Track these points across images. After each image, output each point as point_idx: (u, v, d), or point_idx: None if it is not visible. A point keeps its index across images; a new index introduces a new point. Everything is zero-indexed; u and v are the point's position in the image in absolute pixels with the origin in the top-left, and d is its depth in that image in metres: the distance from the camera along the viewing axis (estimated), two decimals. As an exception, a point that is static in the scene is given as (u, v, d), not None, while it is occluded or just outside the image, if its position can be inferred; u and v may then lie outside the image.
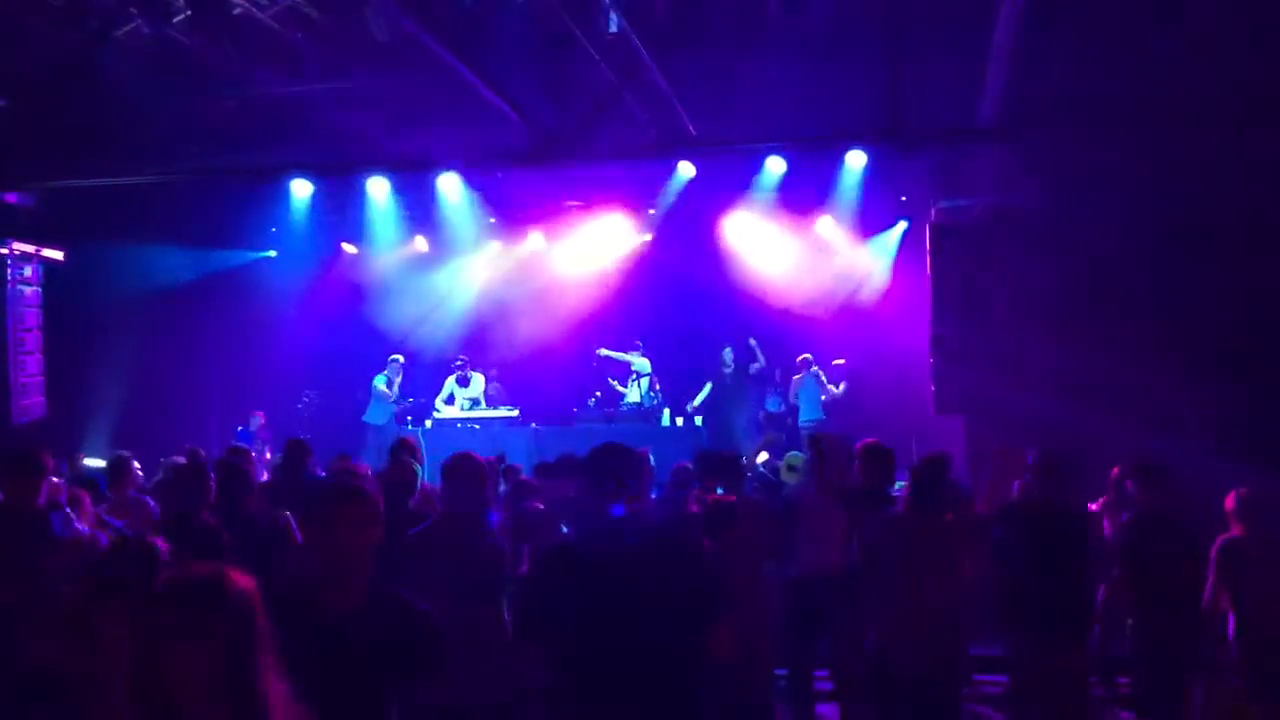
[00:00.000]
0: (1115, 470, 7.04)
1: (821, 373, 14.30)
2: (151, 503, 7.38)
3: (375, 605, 3.33)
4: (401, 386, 15.02)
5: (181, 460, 8.91)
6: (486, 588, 4.78)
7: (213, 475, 6.30)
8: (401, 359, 14.96)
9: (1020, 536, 5.82)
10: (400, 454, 6.97)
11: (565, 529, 6.19)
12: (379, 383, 14.71)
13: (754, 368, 14.80)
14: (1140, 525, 6.01)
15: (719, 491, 6.55)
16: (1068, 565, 5.72)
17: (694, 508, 6.17)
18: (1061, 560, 5.71)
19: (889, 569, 5.62)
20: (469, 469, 4.97)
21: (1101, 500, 7.21)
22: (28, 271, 13.22)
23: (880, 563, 5.69)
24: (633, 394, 14.68)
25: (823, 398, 14.20)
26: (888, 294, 14.88)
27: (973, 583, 5.76)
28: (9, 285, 12.92)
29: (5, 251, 12.80)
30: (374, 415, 14.68)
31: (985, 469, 7.63)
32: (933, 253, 12.92)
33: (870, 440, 6.63)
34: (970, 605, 5.90)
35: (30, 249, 13.07)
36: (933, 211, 12.78)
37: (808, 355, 14.42)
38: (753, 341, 14.82)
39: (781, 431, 14.19)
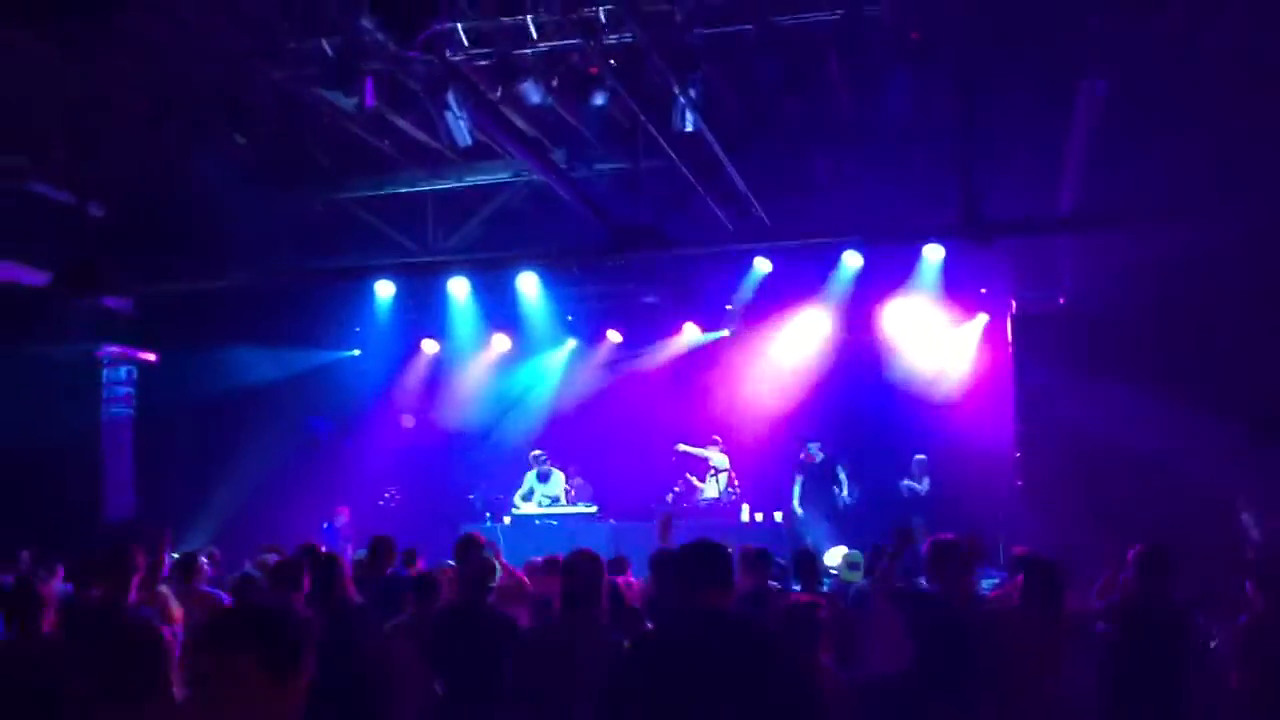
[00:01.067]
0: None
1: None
2: (224, 595, 7.47)
3: None
4: (483, 483, 15.17)
5: (272, 557, 9.04)
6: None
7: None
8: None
9: (1122, 634, 5.65)
10: (471, 550, 7.01)
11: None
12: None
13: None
14: (1258, 630, 5.75)
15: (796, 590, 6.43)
16: (1168, 664, 5.53)
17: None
18: (1161, 659, 5.52)
19: (998, 665, 5.48)
20: (585, 567, 4.95)
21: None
22: (122, 373, 13.64)
23: (987, 658, 5.54)
24: (710, 489, 14.60)
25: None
26: (969, 386, 14.69)
27: (1072, 684, 5.59)
28: (104, 387, 13.33)
29: (101, 355, 13.24)
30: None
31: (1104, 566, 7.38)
32: (1015, 344, 12.80)
33: (941, 537, 6.41)
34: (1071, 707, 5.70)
35: (125, 351, 13.50)
36: (1013, 303, 12.70)
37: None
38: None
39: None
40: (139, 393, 13.78)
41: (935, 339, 15.03)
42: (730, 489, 14.44)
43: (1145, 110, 9.37)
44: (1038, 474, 12.30)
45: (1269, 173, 9.26)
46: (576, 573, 4.89)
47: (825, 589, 7.86)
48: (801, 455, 14.48)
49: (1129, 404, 10.82)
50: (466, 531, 8.18)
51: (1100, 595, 6.78)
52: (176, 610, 6.87)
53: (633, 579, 7.74)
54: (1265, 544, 7.33)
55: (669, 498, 14.79)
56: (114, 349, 13.34)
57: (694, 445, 14.89)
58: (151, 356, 13.83)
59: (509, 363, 16.67)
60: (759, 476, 14.83)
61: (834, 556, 11.60)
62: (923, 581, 6.48)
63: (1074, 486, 11.38)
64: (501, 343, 16.45)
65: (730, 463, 14.66)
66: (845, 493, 14.38)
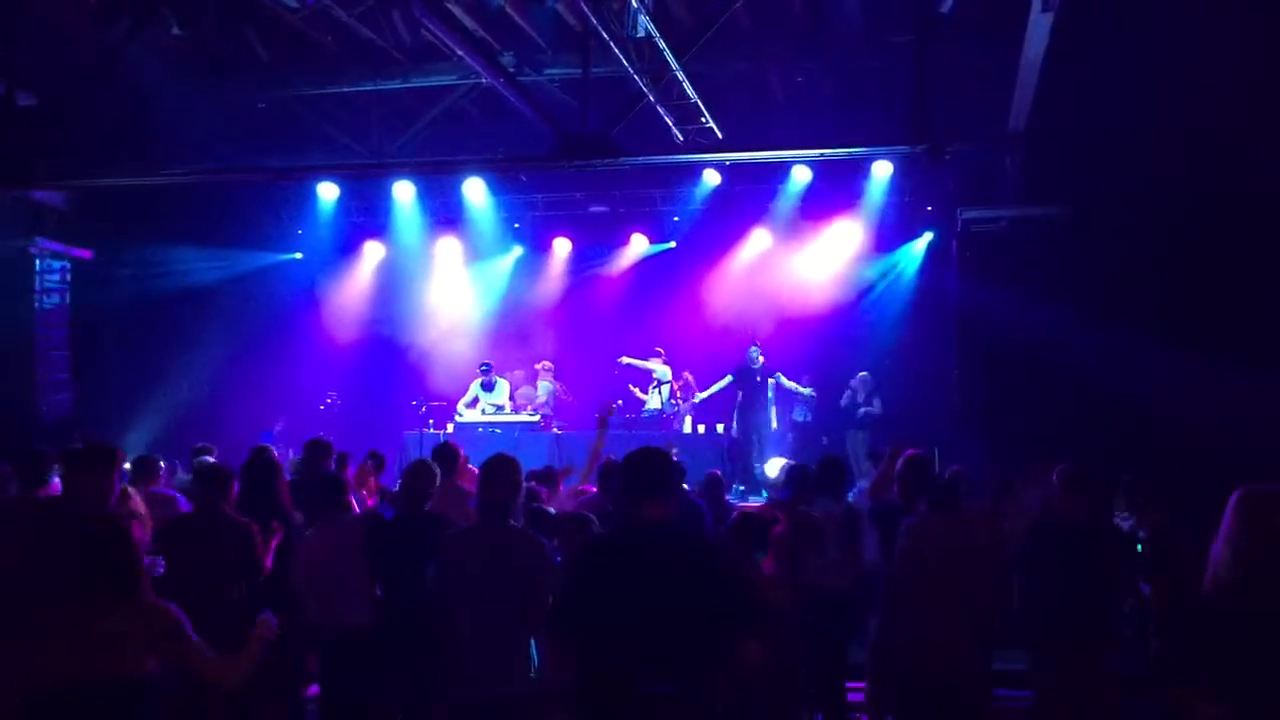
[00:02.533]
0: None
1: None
2: (180, 498, 7.41)
3: None
4: (424, 390, 15.10)
5: (207, 459, 8.95)
6: (523, 583, 4.75)
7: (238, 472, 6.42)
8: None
9: (1045, 550, 5.76)
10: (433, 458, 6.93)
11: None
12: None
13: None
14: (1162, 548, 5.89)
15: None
16: (1092, 580, 5.65)
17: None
18: (1086, 575, 5.64)
19: (912, 573, 5.60)
20: (505, 469, 4.96)
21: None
22: (56, 269, 13.35)
23: (903, 567, 5.67)
24: (654, 401, 14.62)
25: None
26: (913, 303, 14.80)
27: (994, 591, 5.70)
28: (37, 283, 13.05)
29: (34, 250, 12.93)
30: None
31: (1022, 480, 7.54)
32: (959, 262, 12.89)
33: (911, 452, 6.58)
34: (993, 616, 5.82)
35: (59, 248, 13.20)
36: (959, 221, 12.75)
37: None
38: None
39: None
40: (74, 290, 13.51)
41: (879, 256, 15.12)
42: (673, 400, 14.49)
43: (1094, 31, 9.36)
44: (976, 392, 12.46)
45: (1214, 92, 9.35)
46: (492, 477, 4.90)
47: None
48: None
49: (1069, 324, 10.97)
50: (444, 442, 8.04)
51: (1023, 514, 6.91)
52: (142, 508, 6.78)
53: (562, 489, 7.76)
54: None
55: (612, 409, 14.79)
56: (47, 245, 13.03)
57: (637, 357, 14.89)
58: (86, 253, 13.53)
59: (454, 269, 16.51)
60: (702, 389, 14.87)
61: (773, 468, 11.70)
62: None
63: (1012, 406, 11.56)
64: (447, 249, 16.28)
65: (673, 374, 14.67)
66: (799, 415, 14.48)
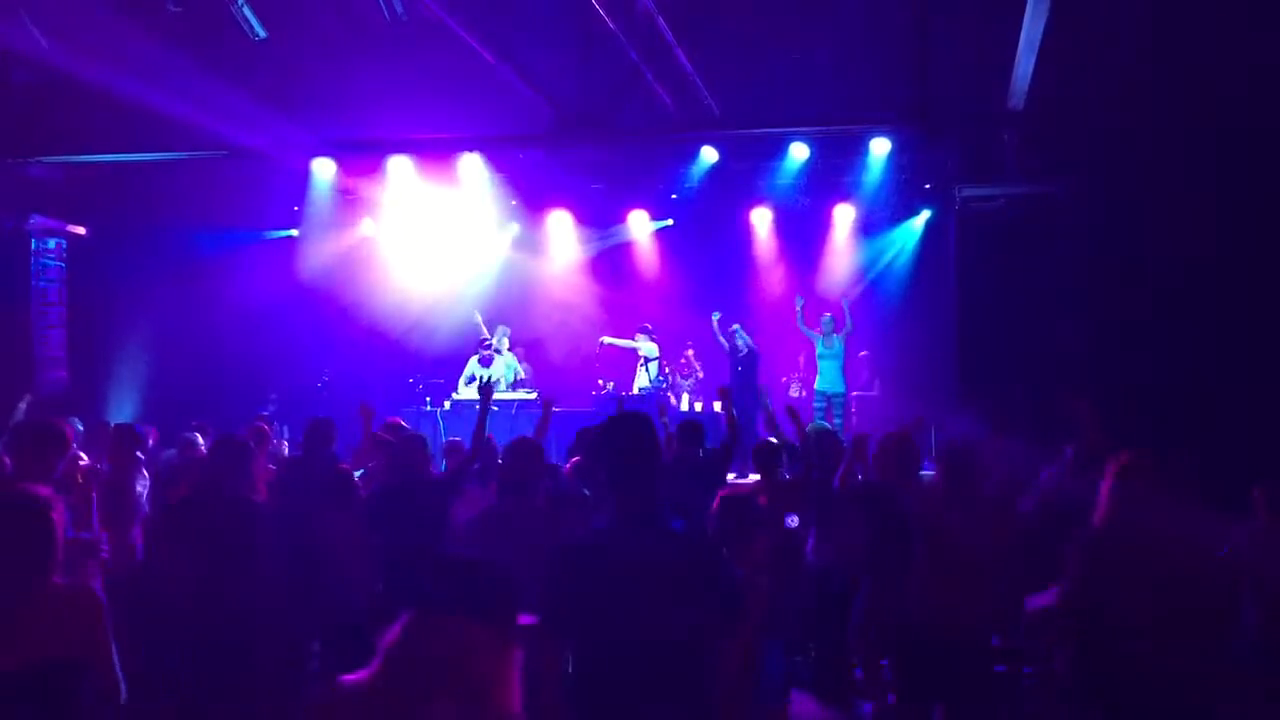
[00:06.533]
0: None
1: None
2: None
3: None
4: (420, 367, 15.06)
5: (196, 436, 8.92)
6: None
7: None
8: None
9: (1053, 527, 5.75)
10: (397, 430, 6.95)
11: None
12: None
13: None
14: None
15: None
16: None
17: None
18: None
19: (925, 552, 5.60)
20: (528, 449, 4.96)
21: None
22: (51, 246, 13.31)
23: (918, 545, 5.67)
24: (641, 379, 14.46)
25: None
26: (911, 282, 14.79)
27: (1006, 569, 5.70)
28: (33, 259, 13.01)
29: (29, 227, 12.89)
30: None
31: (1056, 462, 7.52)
32: (958, 240, 12.86)
33: (893, 433, 6.55)
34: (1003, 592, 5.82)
35: (54, 224, 13.16)
36: (958, 199, 12.72)
37: (829, 315, 13.87)
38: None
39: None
40: (69, 267, 13.47)
41: (878, 233, 15.11)
42: (661, 377, 14.34)
43: (1093, 5, 9.33)
44: (976, 370, 12.45)
45: (1215, 67, 9.32)
46: (514, 459, 4.90)
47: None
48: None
49: (1069, 301, 10.96)
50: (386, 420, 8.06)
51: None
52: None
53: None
54: None
55: (608, 387, 14.73)
56: (43, 221, 12.99)
57: (620, 336, 14.68)
58: (82, 230, 13.49)
59: (451, 245, 16.44)
60: (704, 366, 14.84)
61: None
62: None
63: (1012, 385, 11.55)
64: (443, 225, 16.19)
65: (661, 351, 14.49)
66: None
